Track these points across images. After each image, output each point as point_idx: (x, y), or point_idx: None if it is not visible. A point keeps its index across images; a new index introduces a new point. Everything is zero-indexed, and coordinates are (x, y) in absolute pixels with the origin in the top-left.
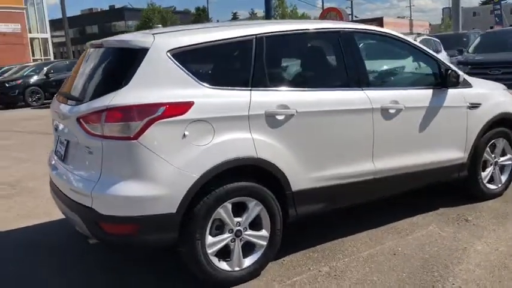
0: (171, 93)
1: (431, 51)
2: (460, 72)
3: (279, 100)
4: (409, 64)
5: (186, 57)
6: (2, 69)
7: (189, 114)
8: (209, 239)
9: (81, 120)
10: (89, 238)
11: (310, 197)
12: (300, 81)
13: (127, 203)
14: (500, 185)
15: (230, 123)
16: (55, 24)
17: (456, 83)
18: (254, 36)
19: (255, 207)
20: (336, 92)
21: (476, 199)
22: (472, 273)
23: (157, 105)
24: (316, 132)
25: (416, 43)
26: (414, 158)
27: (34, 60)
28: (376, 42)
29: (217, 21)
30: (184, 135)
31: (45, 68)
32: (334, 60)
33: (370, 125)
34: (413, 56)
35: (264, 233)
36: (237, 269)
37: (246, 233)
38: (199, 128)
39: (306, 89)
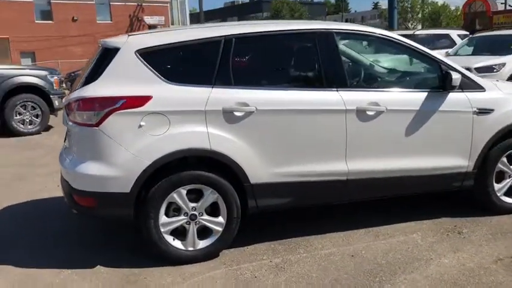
0: (134, 88)
1: (432, 52)
2: (470, 75)
3: (239, 97)
4: (401, 65)
5: (152, 56)
6: None
7: (146, 107)
8: (163, 218)
9: (66, 108)
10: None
11: (271, 191)
12: (264, 81)
13: (89, 180)
14: None
15: (186, 116)
16: (198, 17)
17: (453, 86)
18: (223, 38)
19: (210, 195)
20: (303, 92)
21: (490, 212)
22: (414, 284)
23: (117, 98)
24: (277, 130)
25: (413, 43)
26: (401, 163)
27: None
28: (362, 43)
29: (355, 11)
30: (140, 125)
31: None
32: (307, 61)
33: (342, 126)
34: (410, 57)
35: (221, 219)
36: (190, 249)
37: (202, 217)
38: (155, 120)
39: (269, 88)
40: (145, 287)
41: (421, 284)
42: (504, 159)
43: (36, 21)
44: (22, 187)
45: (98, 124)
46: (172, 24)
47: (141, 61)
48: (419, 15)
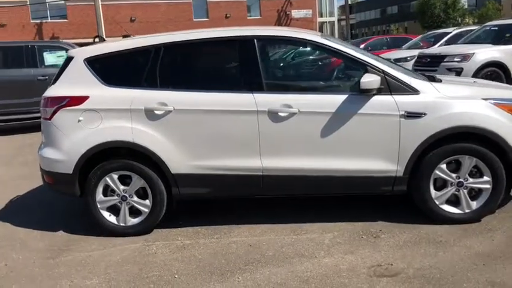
0: (78, 89)
1: (364, 57)
2: (402, 77)
3: (159, 98)
4: (323, 68)
5: (96, 63)
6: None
7: (84, 105)
8: (100, 197)
9: None
10: None
11: (191, 181)
12: (185, 84)
13: (48, 162)
14: (467, 211)
15: (115, 113)
16: (352, 8)
17: (364, 89)
18: (153, 46)
19: (137, 181)
20: (219, 94)
21: (430, 219)
22: (252, 276)
23: (63, 98)
24: (193, 127)
25: (342, 47)
26: (318, 163)
27: None
28: (289, 48)
29: None
30: (79, 120)
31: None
32: (226, 66)
33: (254, 125)
34: (337, 60)
35: (147, 202)
36: (122, 224)
37: (132, 199)
38: (90, 115)
39: (189, 90)
40: (68, 249)
41: (261, 277)
42: (443, 166)
43: (194, 19)
44: None
45: (50, 118)
46: (321, 16)
47: (87, 67)
48: None
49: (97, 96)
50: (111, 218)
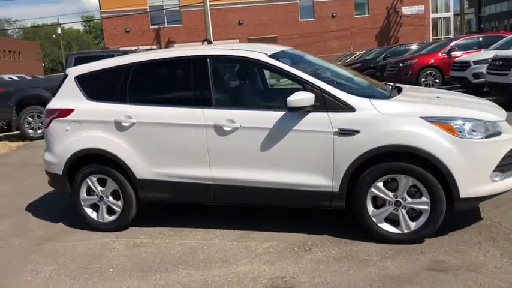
0: (68, 103)
1: (303, 74)
2: (339, 95)
3: (126, 112)
4: (267, 86)
5: (83, 80)
6: (371, 52)
7: (70, 117)
8: (83, 196)
9: None
10: None
11: (153, 186)
12: (149, 99)
13: (46, 164)
14: (406, 231)
15: (93, 124)
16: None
17: (293, 107)
18: (126, 65)
19: (111, 184)
20: (175, 109)
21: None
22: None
23: (56, 110)
24: (153, 138)
25: (282, 65)
26: (259, 175)
27: (434, 40)
28: (234, 66)
29: None
30: (66, 129)
31: (384, 53)
32: (183, 83)
33: (203, 138)
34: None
35: (119, 203)
36: (100, 221)
37: (108, 199)
38: (75, 126)
39: (151, 104)
40: (54, 239)
41: (175, 277)
42: (379, 184)
43: (300, 20)
44: None
45: (47, 127)
46: (436, 12)
47: (76, 84)
48: None
49: (80, 109)
50: (93, 215)
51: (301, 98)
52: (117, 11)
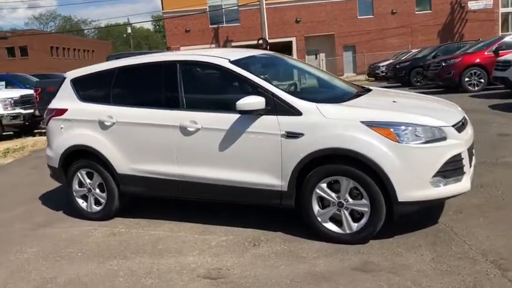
0: (63, 103)
1: (257, 81)
2: (289, 100)
3: (108, 112)
4: (227, 89)
5: (77, 83)
6: (424, 50)
7: (64, 116)
8: (75, 187)
9: None
10: None
11: (130, 181)
12: (128, 100)
13: (47, 158)
14: (348, 232)
15: (82, 123)
16: None
17: (241, 111)
18: (112, 69)
19: (96, 177)
20: (149, 110)
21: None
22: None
23: (53, 109)
24: (130, 136)
25: (241, 71)
26: (217, 173)
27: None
28: (200, 71)
29: None
30: (61, 127)
31: (434, 51)
32: (157, 86)
33: (170, 137)
34: (236, 83)
35: (104, 195)
36: (89, 210)
37: (95, 191)
38: (68, 124)
39: (129, 106)
40: (49, 226)
41: (128, 264)
42: (323, 185)
43: (359, 17)
44: None
45: (46, 124)
46: (506, 6)
47: (71, 86)
48: None
49: (73, 109)
50: (83, 205)
51: (250, 102)
52: (178, 11)
